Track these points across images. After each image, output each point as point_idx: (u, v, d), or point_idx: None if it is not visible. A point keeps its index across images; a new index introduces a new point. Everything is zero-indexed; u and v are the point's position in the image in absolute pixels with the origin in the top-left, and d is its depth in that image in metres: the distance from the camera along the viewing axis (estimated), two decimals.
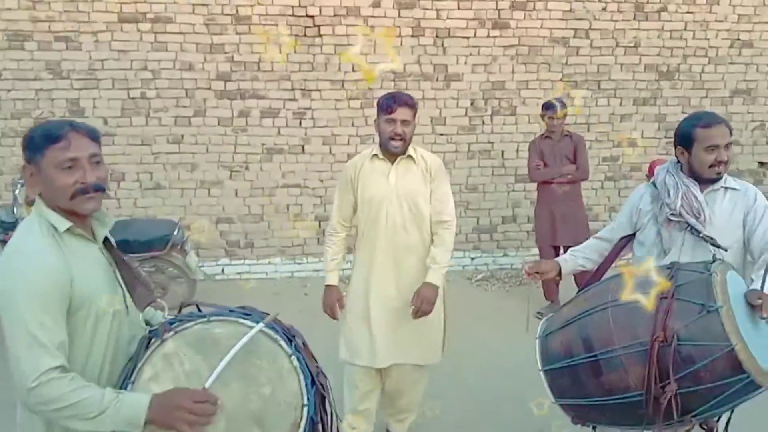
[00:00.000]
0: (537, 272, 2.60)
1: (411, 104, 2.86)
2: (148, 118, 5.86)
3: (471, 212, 6.37)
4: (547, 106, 5.03)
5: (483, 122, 6.23)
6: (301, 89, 5.96)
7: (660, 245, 2.49)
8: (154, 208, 6.00)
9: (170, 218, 5.53)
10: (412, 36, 6.01)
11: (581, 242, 4.76)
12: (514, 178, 6.33)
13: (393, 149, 2.85)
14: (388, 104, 2.81)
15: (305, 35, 5.88)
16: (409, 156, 2.91)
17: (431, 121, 6.16)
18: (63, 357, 1.44)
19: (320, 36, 5.89)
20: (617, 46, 6.32)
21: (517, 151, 6.28)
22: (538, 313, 5.19)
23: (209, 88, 5.87)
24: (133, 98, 5.82)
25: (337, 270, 3.07)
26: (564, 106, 5.00)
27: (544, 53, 6.21)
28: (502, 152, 6.31)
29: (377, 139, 2.96)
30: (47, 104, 5.72)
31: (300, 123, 6.02)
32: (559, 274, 2.66)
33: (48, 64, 5.66)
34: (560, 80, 6.28)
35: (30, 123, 5.65)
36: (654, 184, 2.56)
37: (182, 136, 5.93)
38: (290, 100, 5.97)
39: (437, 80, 6.10)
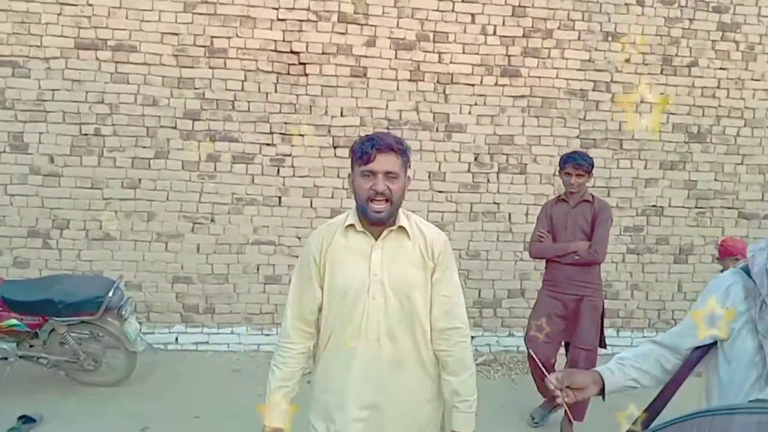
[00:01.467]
0: (571, 388, 1.71)
1: (399, 149, 1.93)
2: (101, 158, 5.07)
3: (472, 282, 5.47)
4: (567, 160, 3.98)
5: (488, 180, 5.43)
6: (281, 133, 5.19)
7: (763, 366, 1.60)
8: (101, 262, 5.13)
9: (107, 276, 4.65)
10: (410, 80, 5.29)
11: (589, 342, 3.88)
12: (522, 246, 5.47)
13: (374, 216, 1.92)
14: (363, 150, 1.90)
15: (288, 73, 5.16)
16: (401, 228, 1.99)
17: (429, 176, 5.36)
18: None
19: (305, 75, 5.16)
20: (642, 102, 5.59)
21: (527, 214, 5.45)
22: (533, 420, 4.23)
23: (174, 127, 5.11)
24: (85, 134, 5.04)
25: (285, 402, 2.02)
26: (589, 163, 3.98)
27: (559, 106, 5.47)
28: (510, 215, 5.47)
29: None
30: None
31: (278, 171, 5.22)
32: (602, 392, 1.77)
33: None
34: (577, 137, 5.51)
35: None
36: (746, 271, 1.68)
37: (139, 180, 5.12)
38: (267, 144, 5.19)
39: (437, 130, 5.33)
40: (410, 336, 1.97)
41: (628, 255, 5.69)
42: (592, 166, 4.00)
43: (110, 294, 4.15)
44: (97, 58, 4.99)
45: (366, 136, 1.97)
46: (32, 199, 5.02)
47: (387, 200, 1.90)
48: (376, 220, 1.92)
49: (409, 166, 2.00)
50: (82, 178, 5.06)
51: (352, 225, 1.99)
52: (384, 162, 1.89)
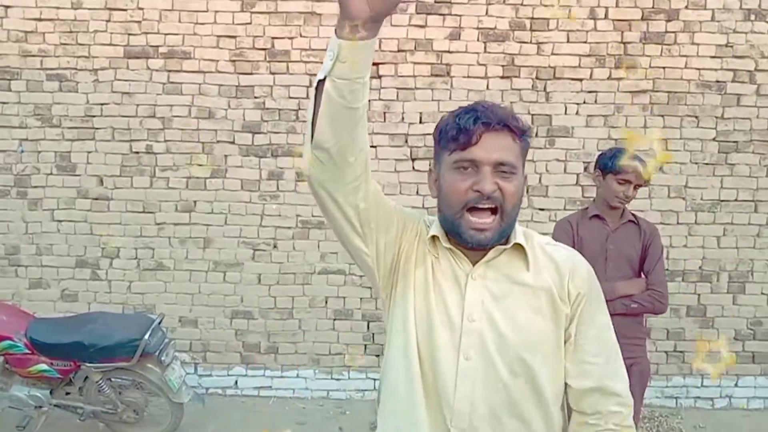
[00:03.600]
0: None
1: (516, 128, 1.22)
2: (153, 179, 4.52)
3: None
4: (613, 156, 2.75)
5: None
6: None
7: None
8: (153, 295, 4.56)
9: (146, 314, 4.05)
10: (502, 77, 4.43)
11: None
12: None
13: (473, 238, 1.21)
14: (461, 126, 1.19)
15: None
16: (517, 246, 1.27)
17: (527, 191, 4.46)
18: None
19: (378, 77, 4.41)
20: None
21: None
22: None
23: (233, 142, 4.49)
24: (136, 152, 4.52)
25: None
26: (643, 164, 2.77)
27: (690, 102, 4.44)
28: None
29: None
30: (32, 157, 4.51)
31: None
32: None
33: (37, 108, 4.49)
34: (713, 139, 4.45)
35: (10, 180, 4.47)
36: None
37: (195, 202, 4.52)
38: None
39: (537, 135, 4.42)
40: (526, 427, 1.22)
41: None
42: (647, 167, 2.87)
43: (147, 336, 3.53)
44: (147, 67, 4.45)
45: (463, 107, 1.21)
46: (80, 226, 4.53)
47: (495, 210, 1.20)
48: (475, 244, 1.21)
49: (526, 157, 1.29)
50: (133, 201, 4.53)
51: (437, 237, 1.29)
52: (495, 147, 1.19)
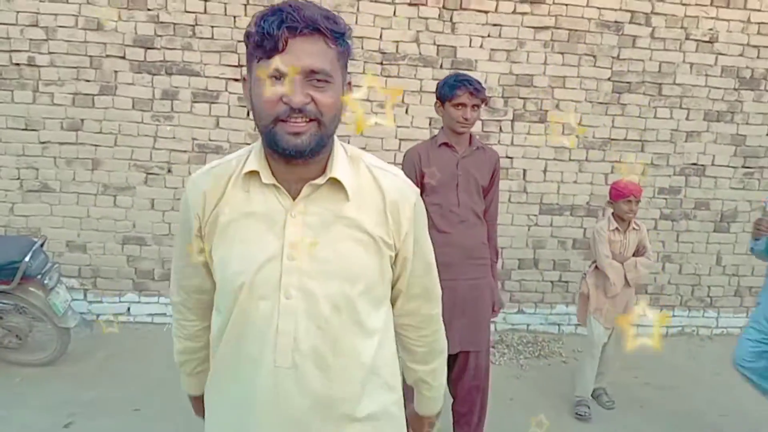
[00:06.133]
0: None
1: (329, 29, 1.08)
2: (37, 93, 4.21)
3: None
4: (444, 84, 2.72)
5: (501, 129, 4.55)
6: None
7: None
8: (38, 218, 4.32)
9: (26, 236, 3.86)
10: (410, 4, 4.37)
11: None
12: (538, 208, 4.63)
13: (289, 144, 1.09)
14: (265, 31, 1.05)
15: None
16: (334, 182, 1.18)
17: (429, 123, 4.48)
18: None
19: None
20: (687, 38, 4.65)
21: (545, 171, 4.60)
22: (578, 412, 3.50)
23: (123, 57, 4.23)
24: (16, 64, 4.18)
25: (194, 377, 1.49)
26: (483, 89, 2.73)
27: (589, 41, 4.54)
28: (524, 172, 4.61)
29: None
30: None
31: (248, 113, 4.36)
32: None
33: None
34: (608, 79, 4.60)
35: None
36: None
37: (82, 120, 4.27)
38: (235, 80, 4.31)
39: (441, 67, 4.43)
40: (354, 360, 1.20)
41: (661, 221, 4.83)
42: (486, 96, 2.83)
43: (27, 259, 3.35)
44: None
45: (270, 6, 1.08)
46: None
47: (311, 120, 1.09)
48: (292, 150, 1.09)
49: (347, 63, 1.17)
50: (15, 118, 4.22)
51: (254, 172, 1.17)
52: (305, 53, 1.06)
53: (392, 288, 1.29)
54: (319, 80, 1.07)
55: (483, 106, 2.78)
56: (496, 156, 2.90)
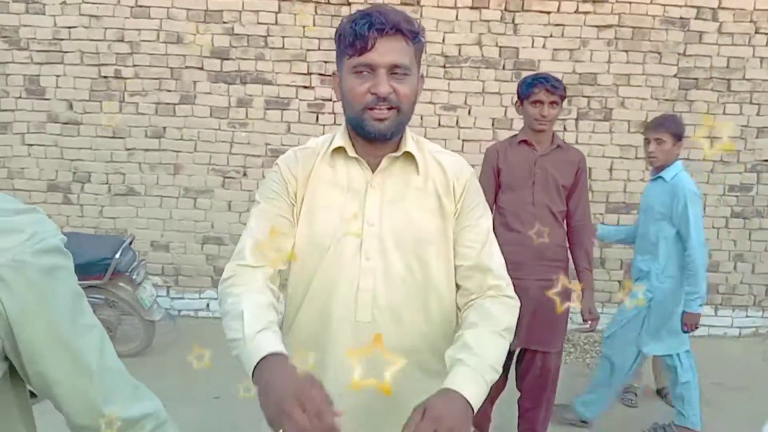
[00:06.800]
0: None
1: (409, 30, 1.26)
2: (123, 104, 4.54)
3: None
4: (533, 83, 2.72)
5: (564, 128, 4.58)
6: (320, 74, 4.50)
7: None
8: (125, 219, 4.65)
9: (116, 235, 4.15)
10: (471, 8, 4.46)
11: None
12: (604, 207, 4.63)
13: (374, 128, 1.27)
14: (356, 32, 1.23)
15: (329, 2, 4.43)
16: (408, 155, 1.35)
17: (492, 124, 4.56)
18: None
19: (348, 4, 4.42)
20: (756, 32, 4.55)
21: (611, 169, 4.60)
22: (624, 399, 3.52)
23: (201, 68, 4.51)
24: (104, 77, 4.52)
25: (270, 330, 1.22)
26: (563, 87, 2.75)
27: (654, 38, 4.52)
28: (590, 170, 4.61)
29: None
30: (1, 81, 4.50)
31: (317, 118, 4.56)
32: None
33: (3, 29, 4.44)
34: (675, 76, 4.56)
35: None
36: None
37: (164, 128, 4.57)
38: (305, 87, 4.52)
39: (504, 68, 4.50)
40: (424, 316, 1.34)
41: (732, 219, 4.74)
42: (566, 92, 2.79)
43: (118, 255, 3.63)
44: None
45: (358, 11, 1.26)
46: (51, 150, 4.57)
47: (392, 108, 1.26)
48: (377, 134, 1.28)
49: (420, 59, 1.33)
50: (103, 126, 4.56)
51: (341, 148, 1.35)
52: (388, 50, 1.24)
53: (456, 263, 1.38)
54: (400, 73, 1.25)
55: (562, 103, 2.76)
56: (580, 155, 2.83)
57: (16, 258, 0.73)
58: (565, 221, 2.83)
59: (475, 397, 1.11)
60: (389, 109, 1.25)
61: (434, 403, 1.07)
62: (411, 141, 1.36)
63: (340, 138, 1.35)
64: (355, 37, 1.22)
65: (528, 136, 2.77)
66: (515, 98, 2.82)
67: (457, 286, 1.39)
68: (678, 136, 2.98)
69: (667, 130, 2.96)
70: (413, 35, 1.26)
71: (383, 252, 1.31)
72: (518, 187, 2.74)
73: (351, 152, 1.34)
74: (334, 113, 4.53)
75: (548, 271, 2.71)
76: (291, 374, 1.02)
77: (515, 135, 2.88)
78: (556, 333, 2.81)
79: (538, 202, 2.73)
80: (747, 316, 4.83)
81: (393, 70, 1.24)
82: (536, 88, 2.67)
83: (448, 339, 1.32)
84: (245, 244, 1.32)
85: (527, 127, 2.79)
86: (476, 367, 1.15)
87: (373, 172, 1.34)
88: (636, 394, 3.65)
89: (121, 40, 4.48)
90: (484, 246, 1.38)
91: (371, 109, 1.25)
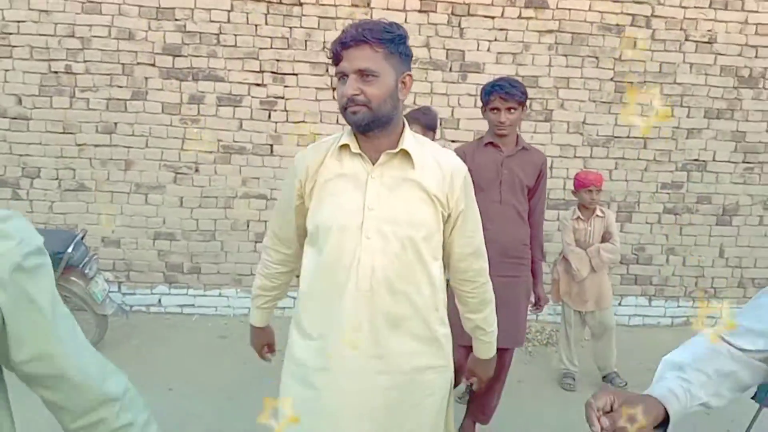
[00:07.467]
0: (630, 419, 1.09)
1: (375, 39, 1.49)
2: (73, 99, 4.54)
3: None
4: (483, 91, 2.86)
5: None
6: (273, 72, 4.60)
7: None
8: (75, 215, 4.64)
9: (68, 230, 4.16)
10: (420, 11, 4.63)
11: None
12: (545, 203, 4.85)
13: (352, 120, 1.55)
14: (334, 50, 1.55)
15: (281, 2, 4.53)
16: (404, 152, 1.61)
17: (440, 124, 4.72)
18: None
19: (300, 5, 4.53)
20: (686, 40, 4.86)
21: (551, 167, 4.82)
22: (563, 384, 3.72)
23: (153, 64, 4.54)
24: (55, 72, 4.51)
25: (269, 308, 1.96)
26: (522, 91, 2.80)
27: (592, 44, 4.77)
28: None
29: None
30: None
31: (269, 115, 4.65)
32: (664, 424, 1.15)
33: None
34: (611, 79, 4.82)
35: None
36: None
37: (115, 124, 4.58)
38: (257, 85, 4.60)
39: (450, 70, 4.69)
40: (414, 288, 1.61)
41: (664, 215, 5.03)
42: (526, 97, 2.82)
43: (70, 250, 3.65)
44: None
45: (348, 26, 1.54)
46: (0, 145, 4.54)
47: (364, 105, 1.52)
48: (354, 124, 1.55)
49: (405, 61, 1.57)
50: (53, 122, 4.55)
51: (346, 145, 1.61)
52: (355, 58, 1.50)
53: (449, 250, 1.70)
54: (367, 76, 1.49)
55: (522, 107, 2.79)
56: (542, 158, 2.93)
57: (10, 262, 0.85)
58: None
59: (492, 353, 1.87)
60: (359, 105, 1.51)
61: (474, 367, 1.91)
62: (410, 139, 1.62)
63: (346, 137, 1.61)
64: (332, 52, 1.54)
65: (493, 138, 2.85)
66: (460, 99, 2.95)
67: (454, 266, 1.72)
68: (430, 127, 3.07)
69: (416, 121, 2.98)
70: (380, 41, 1.49)
71: (381, 232, 1.56)
72: (486, 187, 2.79)
73: (355, 149, 1.59)
74: (287, 111, 4.63)
75: (511, 267, 2.83)
76: (261, 336, 1.96)
77: (482, 137, 2.97)
78: (516, 329, 2.88)
79: (504, 201, 2.82)
80: (678, 306, 5.13)
81: (361, 74, 1.49)
82: (492, 96, 2.75)
83: (435, 309, 1.64)
84: (267, 241, 1.85)
85: (491, 131, 2.87)
86: (489, 339, 1.84)
87: (373, 165, 1.59)
88: (574, 378, 3.85)
89: (72, 36, 4.47)
90: (477, 234, 1.73)
91: (346, 107, 1.53)
